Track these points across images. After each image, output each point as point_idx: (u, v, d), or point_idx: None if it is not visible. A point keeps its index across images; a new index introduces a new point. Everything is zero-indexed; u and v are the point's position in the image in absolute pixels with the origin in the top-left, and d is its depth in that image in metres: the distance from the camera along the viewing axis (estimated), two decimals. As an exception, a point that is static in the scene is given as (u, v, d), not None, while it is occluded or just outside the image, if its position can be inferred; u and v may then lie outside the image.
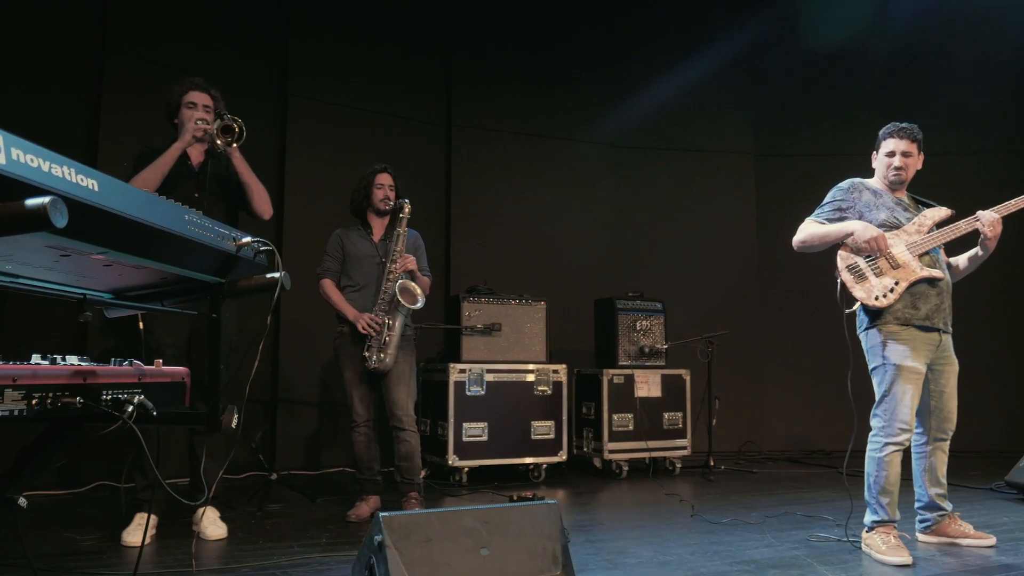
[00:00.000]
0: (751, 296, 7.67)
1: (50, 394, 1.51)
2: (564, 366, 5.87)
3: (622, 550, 3.63)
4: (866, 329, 3.68)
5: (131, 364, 1.82)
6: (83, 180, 1.19)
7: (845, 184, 3.84)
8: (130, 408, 1.67)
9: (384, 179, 4.51)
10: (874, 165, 3.87)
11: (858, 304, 3.64)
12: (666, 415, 6.15)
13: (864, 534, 3.62)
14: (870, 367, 3.68)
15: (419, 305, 4.31)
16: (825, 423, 7.41)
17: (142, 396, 1.72)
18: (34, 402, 1.46)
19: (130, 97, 5.40)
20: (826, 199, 3.87)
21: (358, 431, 4.36)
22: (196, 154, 3.98)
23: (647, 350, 6.18)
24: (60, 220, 1.00)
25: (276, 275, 1.82)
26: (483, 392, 5.56)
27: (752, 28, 7.80)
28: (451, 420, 5.43)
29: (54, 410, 1.51)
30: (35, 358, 1.57)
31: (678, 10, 7.74)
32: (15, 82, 5.06)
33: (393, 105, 6.73)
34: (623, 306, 6.21)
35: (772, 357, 7.66)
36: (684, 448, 6.20)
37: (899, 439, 3.53)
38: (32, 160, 1.09)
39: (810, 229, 3.80)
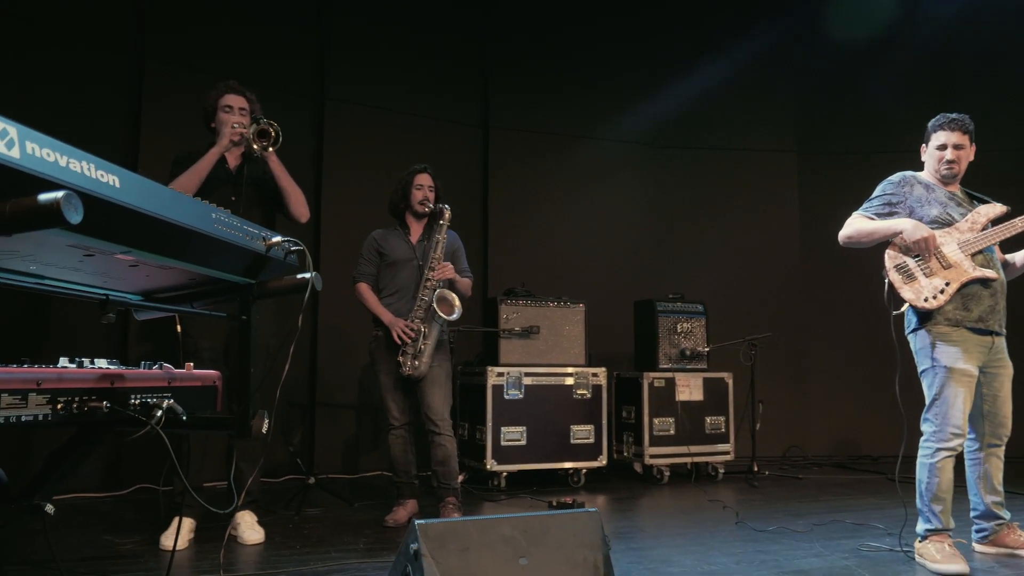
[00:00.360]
0: (794, 296, 7.50)
1: (76, 398, 1.47)
2: (604, 369, 5.78)
3: (665, 559, 3.53)
4: (915, 330, 3.54)
5: (161, 368, 1.78)
6: (103, 176, 1.15)
7: (896, 177, 3.70)
8: (159, 413, 1.63)
9: (423, 179, 4.43)
10: (924, 158, 3.72)
11: (906, 305, 3.51)
12: (708, 419, 6.03)
13: (917, 544, 3.49)
14: (919, 370, 3.54)
15: (455, 316, 4.24)
16: (872, 428, 7.23)
17: (171, 400, 1.68)
18: (59, 406, 1.43)
19: (170, 100, 5.43)
20: (875, 192, 3.73)
21: (394, 434, 4.31)
22: (233, 158, 3.97)
23: (688, 353, 6.06)
24: (75, 216, 0.95)
25: (307, 276, 1.76)
26: (521, 395, 5.49)
27: (792, 22, 7.63)
28: (489, 424, 5.37)
29: (80, 415, 1.47)
30: (62, 361, 1.53)
31: (716, 5, 7.60)
32: (56, 86, 5.11)
33: (429, 108, 6.70)
34: (663, 308, 6.10)
35: (816, 359, 7.48)
36: (727, 453, 6.07)
37: (951, 444, 3.39)
38: (48, 154, 1.04)
39: (857, 224, 3.67)
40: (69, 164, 1.08)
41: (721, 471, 6.05)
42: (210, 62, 5.65)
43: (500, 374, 5.45)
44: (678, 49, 7.49)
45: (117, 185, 1.18)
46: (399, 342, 4.18)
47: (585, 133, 7.24)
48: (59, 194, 0.95)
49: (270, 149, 3.74)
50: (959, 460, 3.51)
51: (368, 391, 6.20)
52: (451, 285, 4.36)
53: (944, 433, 3.40)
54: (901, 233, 3.49)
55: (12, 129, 0.99)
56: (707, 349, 6.11)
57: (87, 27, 5.29)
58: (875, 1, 7.38)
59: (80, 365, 1.54)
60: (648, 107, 7.37)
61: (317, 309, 6.10)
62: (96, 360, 1.60)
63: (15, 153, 0.98)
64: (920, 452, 3.51)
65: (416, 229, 4.46)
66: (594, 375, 5.72)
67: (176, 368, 1.85)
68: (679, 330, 6.11)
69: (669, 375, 5.95)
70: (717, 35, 7.55)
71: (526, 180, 7.02)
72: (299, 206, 4.00)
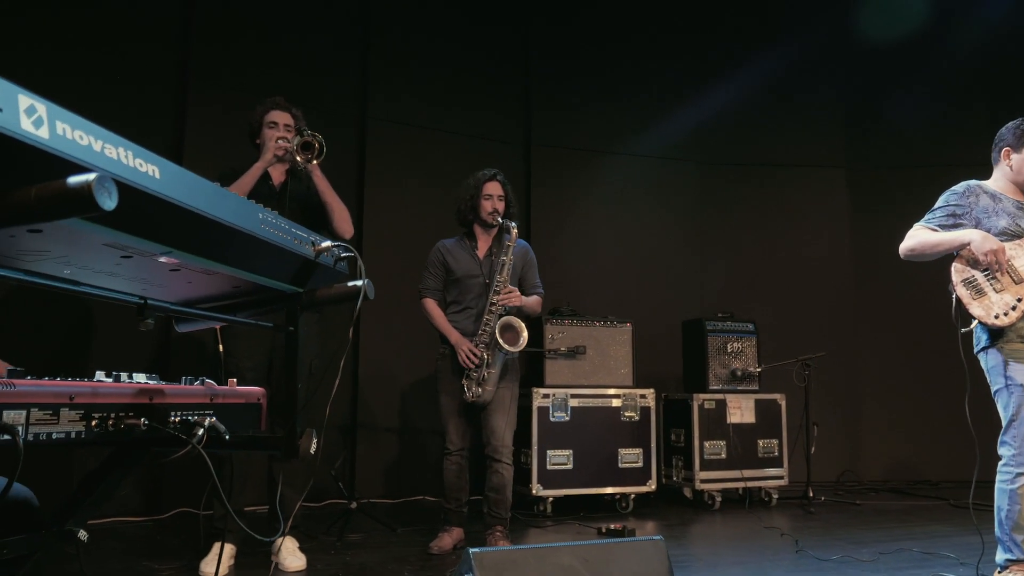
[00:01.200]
0: (846, 314, 7.25)
1: (112, 415, 1.35)
2: (652, 391, 5.60)
3: (725, 589, 3.35)
4: (984, 348, 3.33)
5: (203, 383, 1.67)
6: (142, 165, 1.03)
7: (960, 187, 3.50)
8: (200, 431, 1.51)
9: (493, 188, 4.20)
10: (1004, 164, 3.48)
11: (975, 323, 3.30)
12: (761, 442, 5.81)
13: (996, 575, 3.26)
14: (993, 390, 3.32)
15: (519, 347, 4.05)
16: (931, 451, 6.95)
17: (214, 419, 1.56)
18: (94, 423, 1.31)
19: (213, 115, 5.41)
20: (938, 203, 3.53)
21: (450, 459, 4.14)
22: (277, 174, 3.90)
23: (739, 373, 5.85)
24: (108, 201, 0.84)
25: (359, 283, 1.65)
26: (568, 418, 5.32)
27: (836, 33, 7.45)
28: (535, 447, 5.21)
29: (116, 433, 1.35)
30: (98, 375, 1.42)
31: (760, 20, 7.45)
32: (98, 104, 5.11)
33: (471, 126, 6.61)
34: (713, 327, 5.91)
35: (870, 379, 7.20)
36: (781, 478, 5.84)
37: (1034, 468, 3.17)
38: (81, 137, 0.93)
39: (921, 236, 3.47)
40: (104, 149, 0.97)
41: (775, 496, 5.81)
42: (253, 80, 5.63)
43: (546, 396, 5.30)
44: (722, 63, 7.34)
45: (157, 176, 1.06)
46: (462, 365, 4.02)
47: (628, 150, 7.10)
48: (91, 176, 0.83)
49: (314, 162, 3.66)
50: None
51: (410, 413, 6.09)
52: (518, 308, 4.17)
53: (1024, 457, 3.18)
54: (969, 245, 3.29)
55: (41, 107, 0.88)
56: (759, 370, 5.90)
57: (130, 46, 5.29)
58: (919, 9, 7.15)
59: (117, 379, 1.42)
60: (693, 122, 7.21)
61: (358, 328, 6.00)
62: (134, 375, 1.49)
63: (43, 133, 0.87)
64: (998, 478, 3.28)
65: (484, 241, 4.26)
66: (642, 396, 5.54)
67: (219, 385, 1.73)
68: (729, 350, 5.91)
69: (720, 397, 5.74)
70: (761, 48, 7.38)
71: (568, 198, 6.89)
72: (343, 222, 3.91)
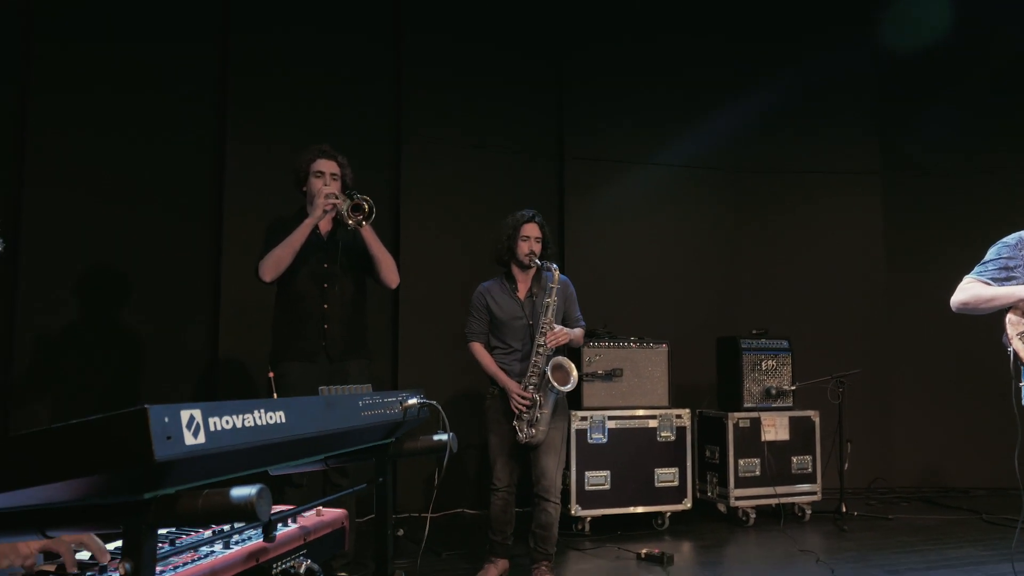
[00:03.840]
0: (879, 325, 7.27)
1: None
2: (687, 411, 5.70)
3: (766, 633, 3.46)
4: (1037, 401, 3.39)
5: (295, 521, 1.78)
6: (271, 417, 1.13)
7: (1012, 239, 3.53)
8: (297, 581, 1.62)
9: (530, 230, 4.24)
10: None
11: (1032, 376, 3.35)
12: (794, 459, 5.89)
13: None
14: (1039, 443, 3.39)
15: (570, 387, 4.10)
16: (960, 458, 7.03)
17: (309, 561, 1.67)
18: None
19: (251, 149, 5.54)
20: (989, 255, 3.57)
21: (497, 495, 4.23)
22: (324, 223, 4.01)
23: (774, 392, 5.93)
24: (266, 512, 0.94)
25: (444, 438, 1.75)
26: (605, 440, 5.43)
27: (869, 38, 7.40)
28: (573, 469, 5.33)
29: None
30: (216, 547, 1.51)
31: (792, 28, 7.39)
32: (141, 136, 5.25)
33: (504, 139, 6.66)
34: (747, 345, 5.97)
35: (901, 389, 7.24)
36: (814, 494, 5.93)
37: (1074, 526, 3.25)
38: (227, 422, 1.03)
39: (974, 291, 3.51)
40: (244, 421, 1.07)
41: (808, 512, 5.91)
42: (289, 103, 5.78)
43: (584, 418, 5.41)
44: (754, 71, 7.32)
45: (283, 420, 1.17)
46: (514, 411, 4.10)
47: (661, 159, 7.12)
48: (252, 492, 0.93)
49: (364, 224, 3.76)
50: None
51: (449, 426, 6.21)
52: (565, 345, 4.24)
53: (1068, 512, 3.25)
54: None
55: (196, 412, 0.98)
56: (793, 388, 5.97)
57: (168, 80, 5.40)
58: (948, 19, 7.07)
59: (227, 544, 1.53)
60: (725, 131, 7.21)
61: (397, 339, 6.14)
62: (245, 532, 1.60)
63: (202, 439, 0.97)
64: (1037, 531, 3.36)
65: (523, 282, 4.33)
66: (678, 416, 5.64)
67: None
68: (763, 368, 5.98)
69: (754, 415, 5.83)
70: (793, 54, 7.36)
71: (602, 211, 6.92)
72: (390, 273, 4.03)
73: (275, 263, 3.83)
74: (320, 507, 1.88)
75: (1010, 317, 3.42)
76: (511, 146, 6.70)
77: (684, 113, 7.20)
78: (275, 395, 3.82)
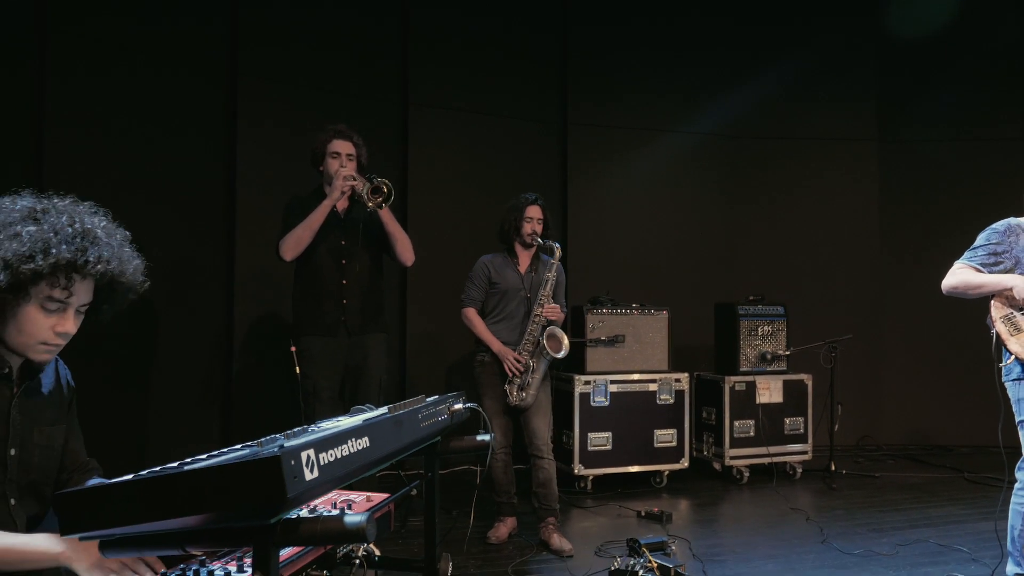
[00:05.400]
0: (871, 293, 7.50)
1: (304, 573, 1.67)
2: (686, 375, 5.94)
3: (761, 590, 3.73)
4: (1016, 380, 3.60)
5: (351, 509, 1.98)
6: (359, 444, 1.33)
7: (1000, 226, 3.70)
8: (357, 562, 1.83)
9: (534, 212, 4.56)
10: None
11: (1012, 357, 3.57)
12: (787, 420, 6.17)
13: (1007, 583, 3.62)
14: (1017, 419, 3.61)
15: (563, 354, 4.41)
16: (944, 418, 7.32)
17: (366, 544, 1.88)
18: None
19: (262, 108, 5.64)
20: (978, 241, 3.74)
21: (496, 457, 4.50)
22: (341, 202, 4.15)
23: (769, 356, 6.17)
24: (373, 535, 1.14)
25: (486, 438, 1.95)
26: (607, 403, 5.68)
27: (870, 7, 7.50)
28: (576, 430, 5.59)
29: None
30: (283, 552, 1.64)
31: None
32: (153, 111, 5.30)
33: (508, 108, 6.77)
34: (744, 312, 6.19)
35: (891, 352, 7.51)
36: (805, 453, 6.22)
37: (1046, 496, 3.49)
38: (331, 455, 1.22)
39: (964, 276, 3.69)
40: (342, 452, 1.26)
41: (799, 470, 6.20)
42: (297, 72, 5.83)
43: (587, 382, 5.64)
44: (755, 45, 7.41)
45: (368, 444, 1.36)
46: (508, 374, 4.37)
47: (661, 126, 7.25)
48: (362, 519, 1.13)
49: (384, 206, 3.93)
50: None
51: (454, 386, 6.44)
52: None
53: (1039, 483, 3.49)
54: (1011, 290, 3.52)
55: (311, 452, 1.17)
56: (788, 353, 6.21)
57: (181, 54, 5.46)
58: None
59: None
60: (725, 101, 7.34)
61: (405, 303, 6.33)
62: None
63: (315, 472, 1.16)
64: (1013, 500, 3.60)
65: (524, 259, 4.63)
66: (677, 380, 5.89)
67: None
68: (760, 333, 6.21)
69: (750, 379, 6.08)
70: (794, 30, 7.45)
71: (604, 178, 7.08)
72: (405, 251, 4.22)
73: (295, 242, 4.01)
74: (370, 494, 2.09)
75: (995, 302, 3.61)
76: (516, 113, 6.80)
77: (686, 84, 7.32)
78: (297, 368, 4.04)
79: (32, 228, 1.67)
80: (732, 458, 6.00)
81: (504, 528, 4.55)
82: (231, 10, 5.68)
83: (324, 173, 4.20)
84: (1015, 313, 3.57)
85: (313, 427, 1.60)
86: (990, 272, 3.61)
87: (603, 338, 5.75)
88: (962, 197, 7.11)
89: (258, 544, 1.15)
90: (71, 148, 4.90)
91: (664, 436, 5.82)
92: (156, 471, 1.18)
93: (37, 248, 1.65)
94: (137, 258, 1.87)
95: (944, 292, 3.78)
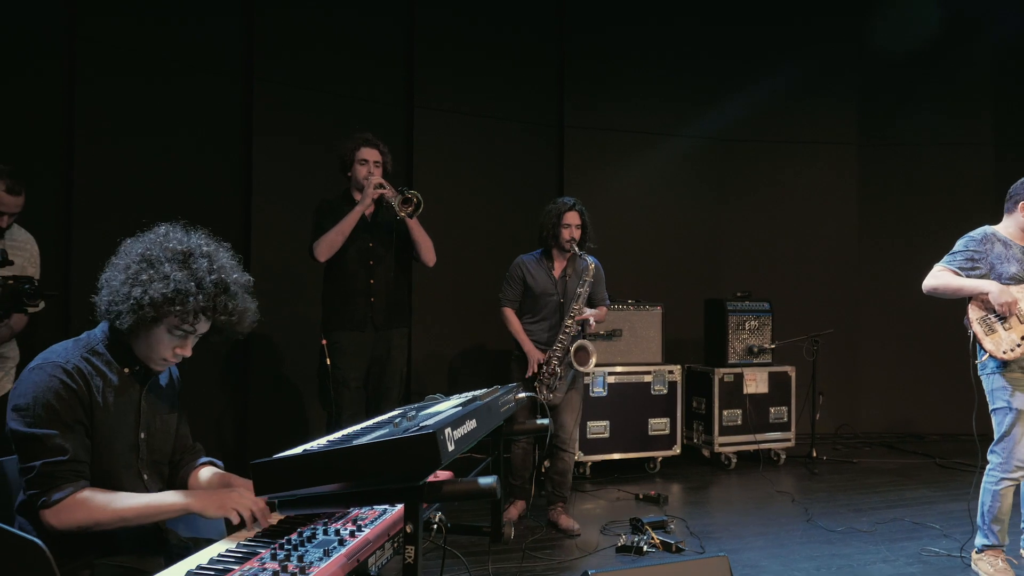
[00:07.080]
0: (851, 289, 7.90)
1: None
2: (678, 367, 6.32)
3: (753, 563, 4.12)
4: (990, 373, 3.99)
5: (425, 483, 2.31)
6: (471, 425, 1.67)
7: (977, 234, 4.06)
8: (435, 526, 2.16)
9: (572, 218, 4.71)
10: (1019, 215, 3.94)
11: (987, 355, 3.95)
12: (772, 409, 6.57)
13: (974, 555, 4.03)
14: (991, 407, 3.99)
15: (590, 368, 4.69)
16: (918, 408, 7.75)
17: (440, 514, 2.21)
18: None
19: (277, 115, 5.90)
20: (957, 247, 4.09)
21: (517, 444, 4.82)
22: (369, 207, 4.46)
23: (755, 349, 6.56)
24: (499, 492, 1.47)
25: (545, 422, 2.29)
26: (605, 393, 6.05)
27: (855, 10, 7.89)
28: (577, 419, 5.94)
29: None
30: (310, 552, 1.70)
31: (782, 8, 7.86)
32: (173, 116, 5.53)
33: (505, 110, 7.05)
34: (733, 307, 6.59)
35: (869, 346, 7.93)
36: (789, 440, 6.63)
37: (1014, 475, 3.89)
38: (459, 433, 1.56)
39: (944, 279, 4.04)
40: (464, 431, 1.59)
41: (783, 456, 6.61)
42: (309, 76, 6.09)
43: (587, 374, 5.99)
44: (743, 52, 7.77)
45: (476, 425, 1.70)
46: (530, 372, 4.64)
47: (654, 129, 7.59)
48: (492, 481, 1.47)
49: (413, 216, 4.26)
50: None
51: (458, 381, 6.75)
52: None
53: (1009, 465, 3.89)
54: (987, 294, 3.89)
55: (450, 430, 1.51)
56: (773, 346, 6.61)
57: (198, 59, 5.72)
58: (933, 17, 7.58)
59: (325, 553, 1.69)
60: (714, 105, 7.70)
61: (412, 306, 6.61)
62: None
63: (453, 446, 1.50)
64: (985, 479, 4.00)
65: (559, 263, 4.82)
66: (670, 372, 6.26)
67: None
68: (747, 327, 6.60)
69: (738, 371, 6.48)
70: (781, 36, 7.82)
71: (599, 180, 7.40)
72: (428, 253, 4.54)
73: (329, 246, 4.33)
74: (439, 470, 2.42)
75: (972, 304, 3.99)
76: (513, 115, 7.08)
77: (678, 89, 7.68)
78: (328, 360, 4.36)
79: (179, 274, 1.97)
80: (721, 445, 6.40)
81: (515, 510, 4.88)
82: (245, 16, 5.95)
83: (352, 179, 4.51)
84: (990, 315, 3.95)
85: (411, 411, 1.93)
86: (967, 276, 3.99)
87: (602, 332, 6.11)
88: (937, 198, 7.57)
89: (410, 501, 1.47)
90: (94, 147, 5.12)
91: (658, 424, 6.20)
92: (327, 446, 1.51)
93: (180, 295, 1.96)
94: (253, 304, 2.18)
95: (925, 292, 4.14)
